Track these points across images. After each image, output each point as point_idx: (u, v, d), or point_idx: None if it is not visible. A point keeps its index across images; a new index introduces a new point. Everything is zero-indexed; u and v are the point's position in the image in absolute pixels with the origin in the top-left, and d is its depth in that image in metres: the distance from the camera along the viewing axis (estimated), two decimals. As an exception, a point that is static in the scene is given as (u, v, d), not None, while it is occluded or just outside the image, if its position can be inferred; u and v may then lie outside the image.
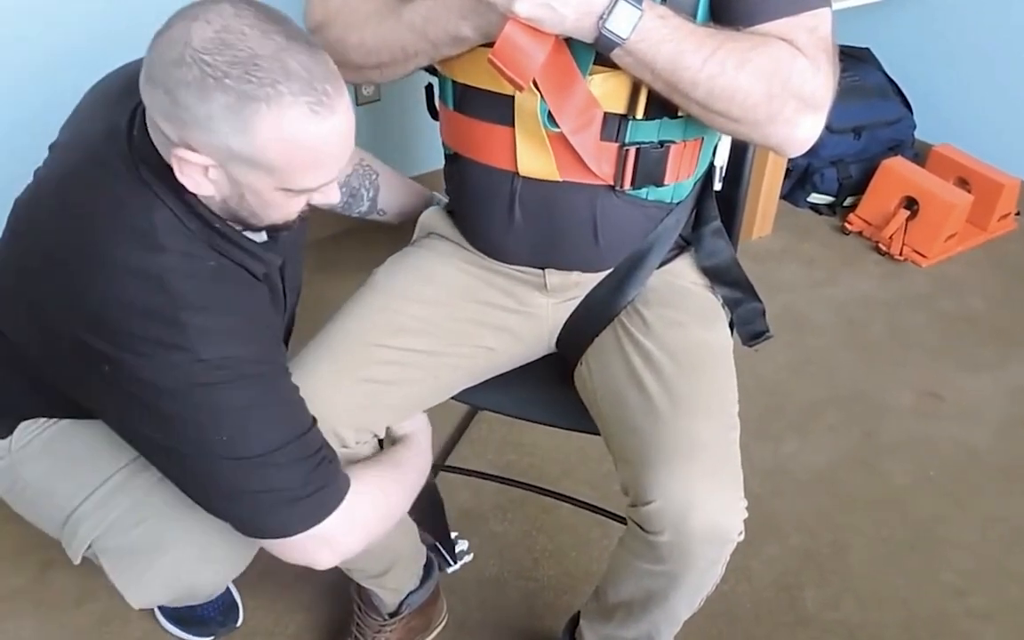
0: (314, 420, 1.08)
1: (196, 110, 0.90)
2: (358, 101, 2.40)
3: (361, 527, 1.12)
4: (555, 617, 1.63)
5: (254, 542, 1.20)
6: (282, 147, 0.93)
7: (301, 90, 0.91)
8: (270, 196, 0.99)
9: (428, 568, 1.52)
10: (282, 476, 1.02)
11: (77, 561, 1.23)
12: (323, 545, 1.07)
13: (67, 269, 0.99)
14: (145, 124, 0.99)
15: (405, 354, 1.26)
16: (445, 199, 1.43)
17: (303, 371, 1.19)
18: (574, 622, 1.43)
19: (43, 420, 1.21)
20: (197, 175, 0.96)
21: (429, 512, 1.55)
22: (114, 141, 1.01)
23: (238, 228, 1.05)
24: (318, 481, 1.05)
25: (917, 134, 3.03)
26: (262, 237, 1.12)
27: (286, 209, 1.03)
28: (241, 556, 1.25)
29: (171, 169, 0.96)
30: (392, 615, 1.48)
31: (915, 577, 1.75)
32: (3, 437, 1.22)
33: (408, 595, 1.48)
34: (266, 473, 1.01)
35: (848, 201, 2.94)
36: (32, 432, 1.21)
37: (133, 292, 0.96)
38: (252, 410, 1.01)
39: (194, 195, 0.99)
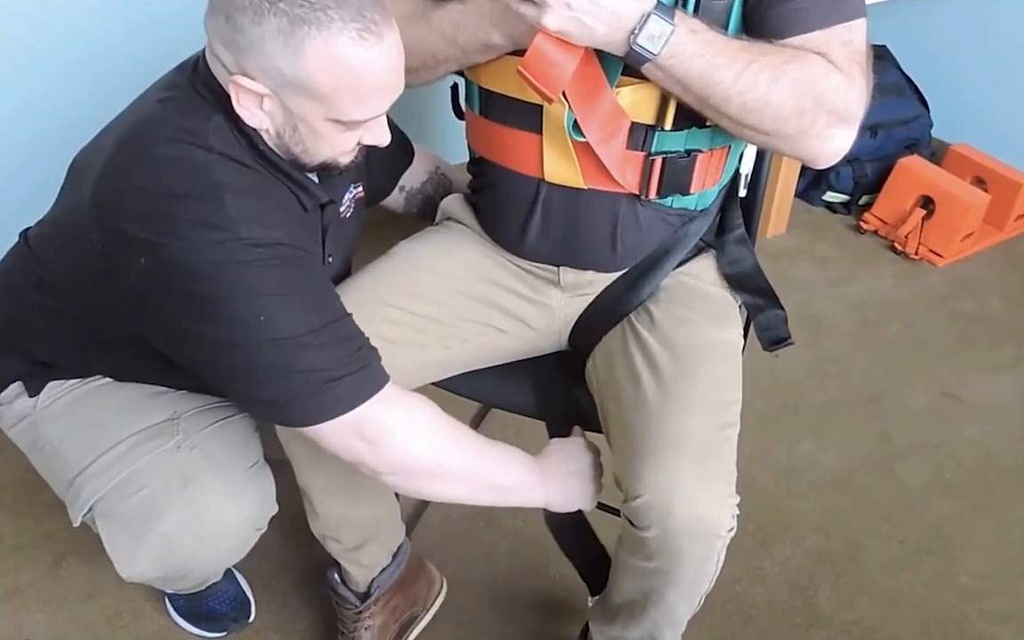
0: (350, 314, 1.09)
1: (250, 33, 0.95)
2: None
3: (407, 437, 1.08)
4: (566, 615, 1.63)
5: (251, 531, 1.26)
6: (330, 72, 0.97)
7: (351, 17, 0.95)
8: (321, 127, 1.02)
9: (398, 550, 1.50)
10: (320, 356, 1.02)
11: (76, 523, 1.25)
12: (362, 434, 1.05)
13: (116, 166, 1.03)
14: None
15: (415, 318, 1.26)
16: None
17: None
18: (587, 629, 1.42)
19: (71, 382, 1.26)
20: (252, 106, 1.00)
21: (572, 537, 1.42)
22: (182, 71, 1.09)
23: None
24: (357, 363, 1.04)
25: (934, 133, 3.00)
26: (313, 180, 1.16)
27: (337, 144, 1.06)
28: (236, 542, 1.26)
29: (228, 96, 1.00)
30: (364, 599, 1.47)
31: (930, 579, 1.73)
32: (32, 395, 1.27)
33: (376, 577, 1.46)
34: (304, 354, 1.01)
35: (863, 200, 2.92)
36: (57, 393, 1.26)
37: (175, 180, 1.00)
38: (289, 291, 1.02)
39: (247, 125, 1.03)
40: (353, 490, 1.33)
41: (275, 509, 1.33)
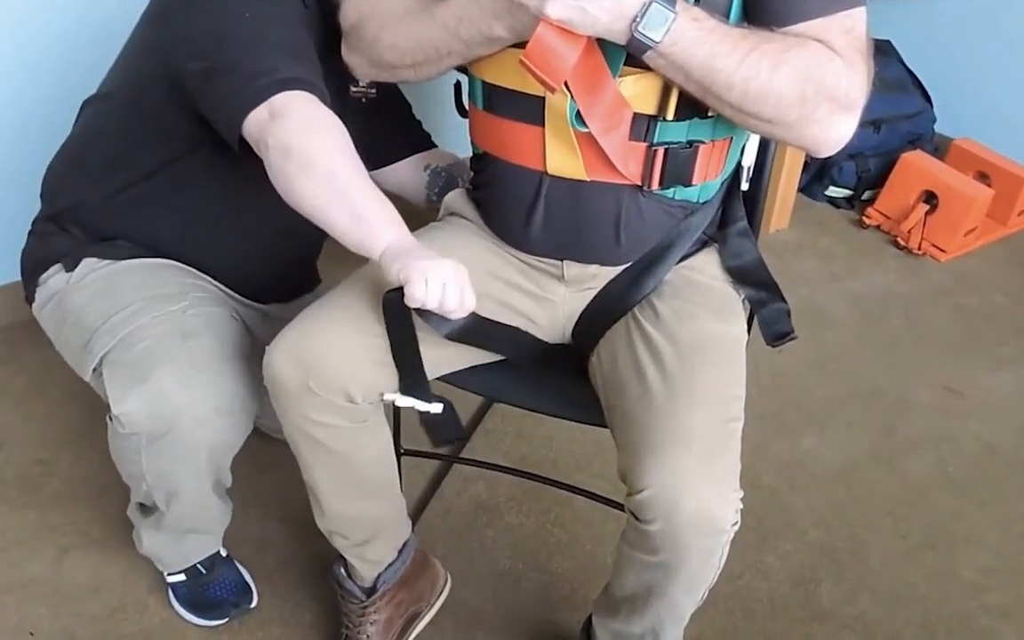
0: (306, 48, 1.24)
1: None
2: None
3: (304, 122, 1.15)
4: (570, 610, 1.63)
5: (238, 403, 1.31)
6: None
7: None
8: None
9: (404, 547, 1.51)
10: (269, 59, 1.17)
11: (87, 377, 1.33)
12: (272, 109, 1.14)
13: None
14: None
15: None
16: None
17: (320, 320, 1.21)
18: (590, 622, 1.43)
19: (105, 262, 1.36)
20: None
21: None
22: None
23: None
24: (294, 71, 1.18)
25: (937, 128, 3.00)
26: None
27: None
28: (220, 406, 1.29)
29: None
30: (370, 594, 1.47)
31: (933, 574, 1.74)
32: (68, 271, 1.37)
33: (381, 573, 1.47)
34: (258, 55, 1.17)
35: (866, 195, 2.92)
36: (90, 269, 1.36)
37: None
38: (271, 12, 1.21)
39: None
40: (359, 487, 1.33)
41: (258, 411, 1.37)
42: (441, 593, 1.59)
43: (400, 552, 1.49)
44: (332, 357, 1.18)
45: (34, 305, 1.44)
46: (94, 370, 1.30)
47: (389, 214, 1.15)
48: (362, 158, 1.39)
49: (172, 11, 1.27)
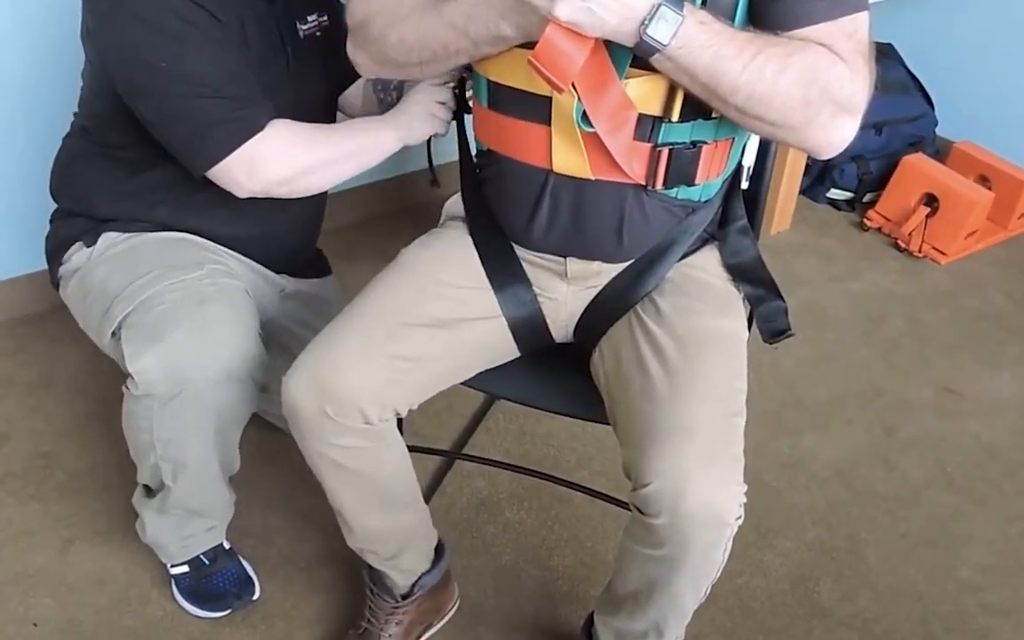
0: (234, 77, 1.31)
1: None
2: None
3: (279, 157, 1.33)
4: (570, 606, 1.64)
5: (251, 366, 1.37)
6: None
7: None
8: None
9: (439, 551, 1.52)
10: (208, 105, 1.28)
11: (105, 342, 1.39)
12: (249, 168, 1.31)
13: None
14: None
15: (432, 334, 1.27)
16: None
17: (332, 345, 1.22)
18: (591, 620, 1.44)
19: (125, 235, 1.44)
20: None
21: None
22: None
23: None
24: (236, 111, 1.29)
25: (938, 130, 3.01)
26: None
27: None
28: (233, 364, 1.34)
29: None
30: (404, 597, 1.49)
31: (932, 572, 1.74)
32: (89, 246, 1.45)
33: (420, 577, 1.49)
34: (192, 102, 1.27)
35: (867, 197, 2.93)
36: (111, 242, 1.44)
37: None
38: (194, 51, 1.26)
39: None
40: (384, 502, 1.34)
41: (263, 382, 1.43)
42: (451, 609, 1.60)
43: (437, 562, 1.51)
44: (347, 381, 1.19)
45: (60, 285, 1.50)
46: (113, 334, 1.35)
47: (370, 126, 1.43)
48: (328, 90, 1.61)
49: (107, 56, 1.32)
